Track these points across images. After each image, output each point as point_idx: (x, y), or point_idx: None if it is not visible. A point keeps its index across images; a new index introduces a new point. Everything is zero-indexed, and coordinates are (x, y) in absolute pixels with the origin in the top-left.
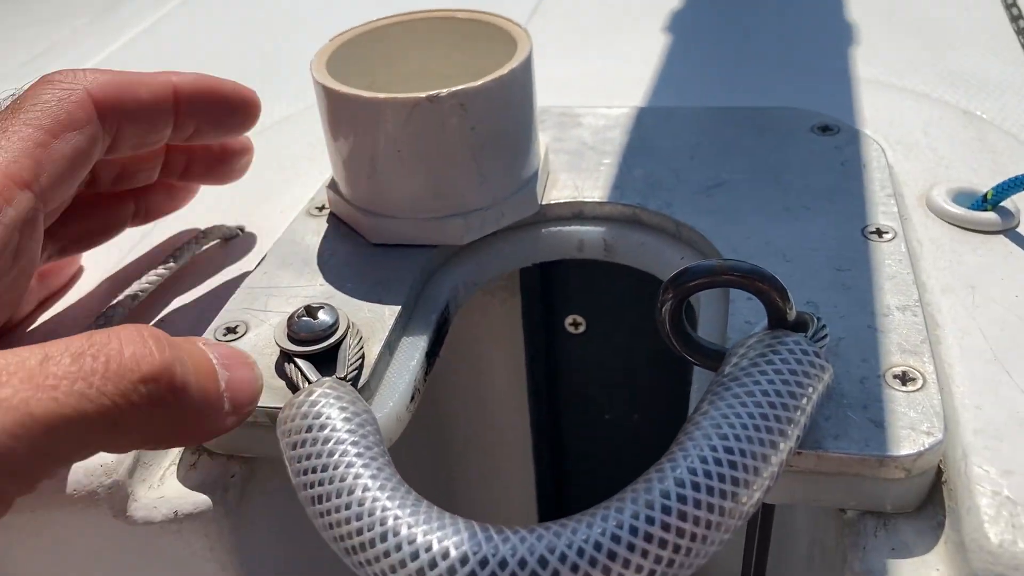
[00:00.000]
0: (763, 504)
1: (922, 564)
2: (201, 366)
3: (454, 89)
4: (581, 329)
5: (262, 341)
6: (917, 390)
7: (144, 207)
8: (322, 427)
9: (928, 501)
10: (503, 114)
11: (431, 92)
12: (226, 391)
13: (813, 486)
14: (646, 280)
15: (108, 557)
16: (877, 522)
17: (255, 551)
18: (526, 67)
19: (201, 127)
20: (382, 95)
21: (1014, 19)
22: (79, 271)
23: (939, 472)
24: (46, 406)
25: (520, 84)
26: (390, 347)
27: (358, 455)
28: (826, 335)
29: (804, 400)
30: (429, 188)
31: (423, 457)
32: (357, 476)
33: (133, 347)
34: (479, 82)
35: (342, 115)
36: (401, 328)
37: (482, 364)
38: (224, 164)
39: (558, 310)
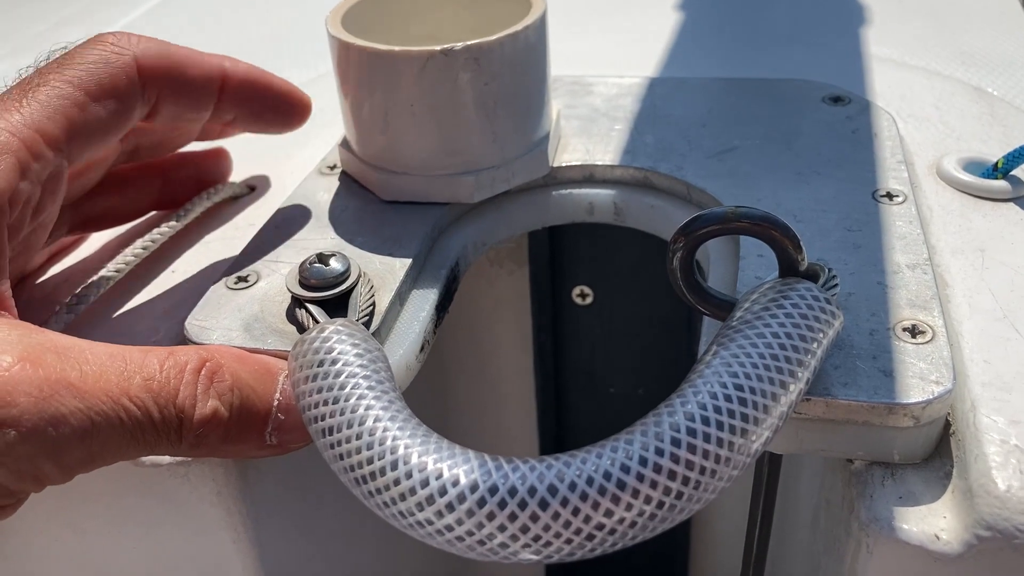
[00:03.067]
0: (770, 456)
1: (929, 512)
2: (255, 414)
3: (468, 43)
4: (588, 300)
5: (273, 289)
6: (927, 342)
7: (170, 194)
8: (334, 361)
9: (936, 453)
10: (517, 71)
11: (445, 46)
12: (273, 432)
13: (821, 434)
14: (654, 248)
15: (115, 500)
16: (885, 472)
17: (262, 497)
18: (540, 25)
19: (242, 117)
20: (396, 48)
21: None
22: None
23: (947, 425)
24: (108, 418)
25: (534, 42)
26: (400, 298)
27: (369, 388)
28: (836, 284)
29: (815, 344)
30: (441, 144)
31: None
32: (368, 407)
33: (191, 388)
34: (493, 37)
35: (356, 69)
36: (412, 281)
37: (488, 335)
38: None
39: (566, 281)
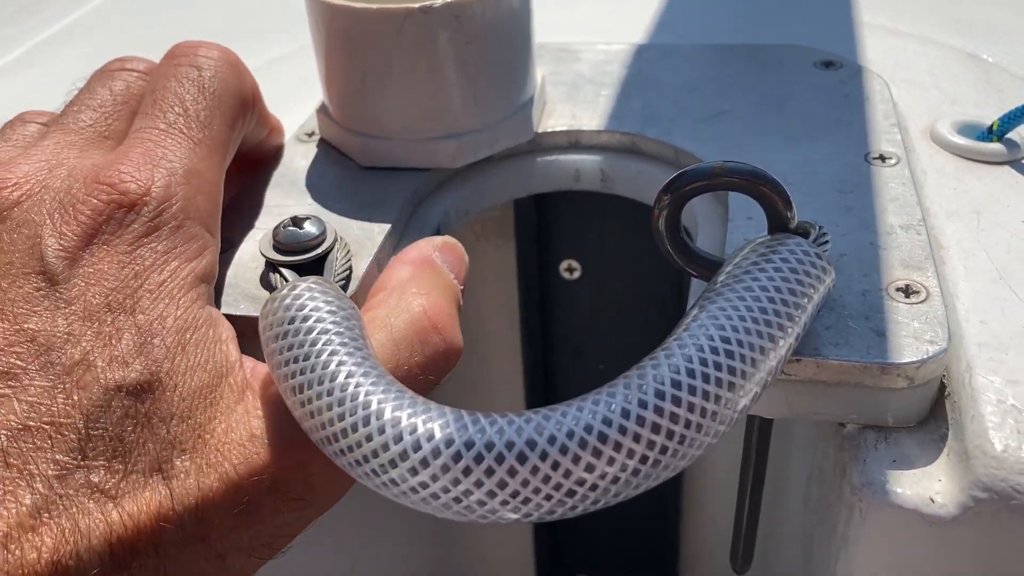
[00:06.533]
0: (760, 422)
1: (924, 475)
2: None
3: (448, 0)
4: (576, 275)
5: (247, 255)
6: (921, 302)
7: None
8: (305, 318)
9: (931, 416)
10: (499, 30)
11: (424, 3)
12: None
13: (812, 397)
14: (643, 219)
15: None
16: (878, 435)
17: None
18: None
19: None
20: (373, 6)
21: None
22: None
23: (942, 387)
24: None
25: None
26: (379, 264)
27: (342, 344)
28: (828, 241)
29: (804, 299)
30: (421, 107)
31: None
32: (341, 363)
33: None
34: None
35: (332, 30)
36: (391, 247)
37: (475, 311)
38: None
39: (553, 255)
